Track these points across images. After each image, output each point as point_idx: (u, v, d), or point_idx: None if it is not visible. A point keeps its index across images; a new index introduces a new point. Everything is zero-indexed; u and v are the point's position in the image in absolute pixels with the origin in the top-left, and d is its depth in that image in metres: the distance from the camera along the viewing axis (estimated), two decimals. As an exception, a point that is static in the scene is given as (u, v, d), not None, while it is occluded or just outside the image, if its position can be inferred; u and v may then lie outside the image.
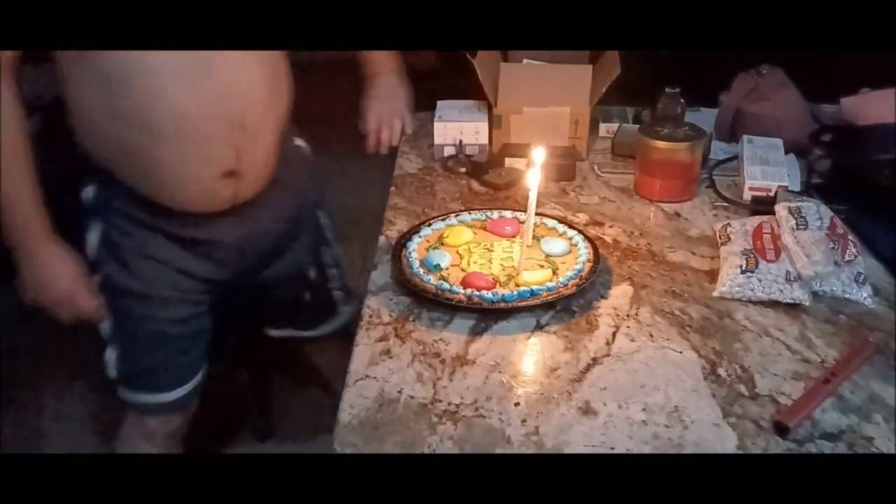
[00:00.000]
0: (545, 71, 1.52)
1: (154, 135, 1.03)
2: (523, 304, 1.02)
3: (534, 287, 1.04)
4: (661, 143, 1.31)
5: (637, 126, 1.50)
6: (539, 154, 1.13)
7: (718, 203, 1.33)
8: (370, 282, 1.12)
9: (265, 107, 1.12)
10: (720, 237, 1.17)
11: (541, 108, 1.47)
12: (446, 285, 1.04)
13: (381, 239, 1.23)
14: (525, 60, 1.65)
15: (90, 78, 1.02)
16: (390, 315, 1.04)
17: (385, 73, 1.37)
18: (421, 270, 1.08)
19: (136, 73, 1.00)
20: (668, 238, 1.23)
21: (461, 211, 1.25)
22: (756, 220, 1.18)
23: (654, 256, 1.18)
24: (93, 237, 1.15)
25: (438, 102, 1.59)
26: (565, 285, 1.05)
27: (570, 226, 1.20)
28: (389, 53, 1.38)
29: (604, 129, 1.61)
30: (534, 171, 1.09)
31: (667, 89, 1.54)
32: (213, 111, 1.05)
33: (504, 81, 1.48)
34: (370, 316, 1.04)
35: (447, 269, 1.10)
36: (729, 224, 1.19)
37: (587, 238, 1.16)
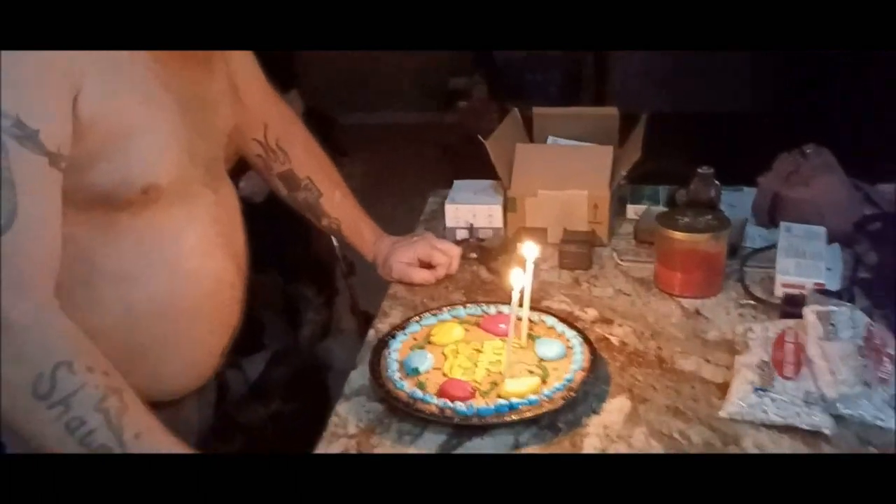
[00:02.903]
0: (562, 152, 1.44)
1: (172, 321, 0.96)
2: (500, 420, 0.92)
3: (513, 400, 0.94)
4: (678, 234, 1.20)
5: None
6: (531, 250, 1.05)
7: (746, 301, 1.20)
8: (346, 384, 1.04)
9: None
10: (738, 344, 1.05)
11: (557, 191, 1.38)
12: (419, 393, 0.96)
13: (371, 333, 1.16)
14: (550, 138, 1.57)
15: (85, 283, 0.90)
16: (357, 425, 0.96)
17: (381, 237, 1.33)
18: (397, 374, 1.01)
19: (159, 255, 0.93)
20: (681, 341, 1.11)
21: (455, 305, 1.16)
22: (781, 325, 1.05)
23: (662, 363, 1.06)
24: None
25: (455, 182, 1.52)
26: (550, 398, 0.95)
27: (571, 325, 1.09)
28: (369, 225, 1.34)
29: (631, 210, 1.51)
30: (517, 271, 1.00)
31: (699, 169, 1.43)
32: (224, 252, 1.01)
33: (519, 162, 1.41)
34: (335, 425, 0.96)
35: (427, 373, 1.01)
36: (751, 328, 1.06)
37: (586, 341, 1.05)
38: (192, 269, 0.97)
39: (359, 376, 1.06)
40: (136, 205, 0.88)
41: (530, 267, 1.05)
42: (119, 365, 0.91)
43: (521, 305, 1.05)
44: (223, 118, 1.04)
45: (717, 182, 1.41)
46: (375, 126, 4.60)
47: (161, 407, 0.97)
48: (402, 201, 1.32)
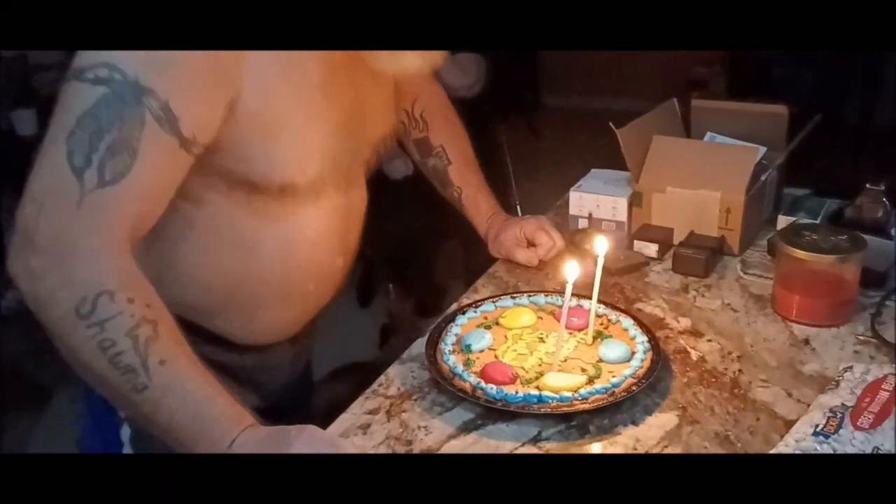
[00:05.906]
0: (702, 148, 1.33)
1: (283, 284, 1.03)
2: (525, 410, 0.90)
3: (544, 393, 0.91)
4: (799, 253, 1.06)
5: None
6: (601, 244, 1.00)
7: (868, 338, 1.04)
8: (408, 350, 1.08)
9: None
10: (832, 382, 0.92)
11: (687, 189, 1.28)
12: (460, 369, 0.97)
13: (454, 306, 1.18)
14: (708, 134, 1.46)
15: (212, 244, 0.98)
16: (399, 388, 0.99)
17: (497, 213, 1.33)
18: (449, 348, 1.02)
19: (279, 238, 1.00)
20: (770, 369, 0.99)
21: (538, 292, 1.14)
22: (889, 370, 0.90)
23: (734, 387, 0.96)
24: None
25: (593, 170, 1.48)
26: (584, 399, 0.91)
27: (648, 331, 1.03)
28: (488, 200, 1.34)
29: (783, 221, 1.35)
30: (571, 263, 0.96)
31: (868, 185, 1.26)
32: (337, 247, 1.07)
33: (653, 155, 1.33)
34: (379, 385, 1.00)
35: (479, 352, 1.02)
36: (851, 367, 0.93)
37: (654, 348, 0.99)
38: (306, 257, 1.03)
39: (422, 346, 1.08)
40: (272, 194, 0.95)
41: (601, 262, 1.00)
42: (218, 311, 1.03)
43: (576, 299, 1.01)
44: (375, 127, 1.08)
45: (885, 201, 1.23)
46: (608, 112, 4.46)
47: (252, 350, 1.08)
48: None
